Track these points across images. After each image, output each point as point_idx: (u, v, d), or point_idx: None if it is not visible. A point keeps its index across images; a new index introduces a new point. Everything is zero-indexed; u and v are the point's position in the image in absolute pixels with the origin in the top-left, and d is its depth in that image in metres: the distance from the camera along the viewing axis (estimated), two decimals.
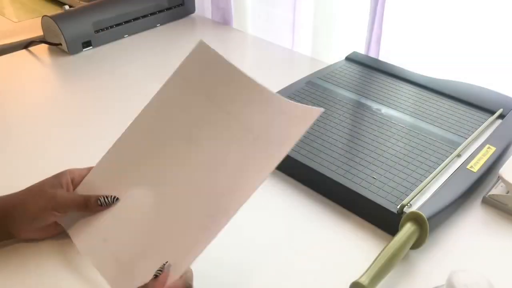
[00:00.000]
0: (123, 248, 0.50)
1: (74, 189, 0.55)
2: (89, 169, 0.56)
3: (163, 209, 0.51)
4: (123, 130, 0.73)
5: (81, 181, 0.55)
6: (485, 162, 0.60)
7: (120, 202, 0.53)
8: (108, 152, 0.57)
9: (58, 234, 0.54)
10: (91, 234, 0.52)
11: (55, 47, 0.98)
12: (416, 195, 0.56)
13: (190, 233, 0.47)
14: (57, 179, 0.53)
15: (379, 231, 0.56)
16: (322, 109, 0.47)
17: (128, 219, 0.52)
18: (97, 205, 0.52)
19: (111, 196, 0.53)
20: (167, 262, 0.46)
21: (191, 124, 0.54)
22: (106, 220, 0.53)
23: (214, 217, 0.47)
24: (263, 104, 0.51)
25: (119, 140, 0.57)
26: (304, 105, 0.50)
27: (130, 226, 0.52)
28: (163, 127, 0.55)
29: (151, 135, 0.56)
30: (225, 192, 0.48)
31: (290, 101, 0.50)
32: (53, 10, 1.17)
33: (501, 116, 0.70)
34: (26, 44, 1.00)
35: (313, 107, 0.48)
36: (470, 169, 0.59)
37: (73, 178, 0.55)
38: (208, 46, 0.56)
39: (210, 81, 0.55)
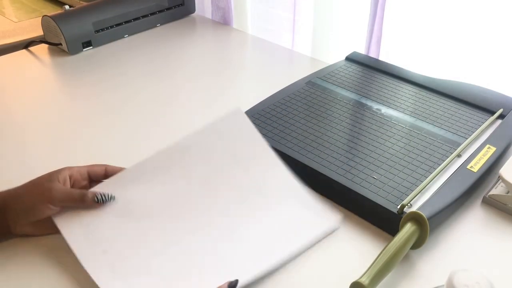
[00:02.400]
0: (122, 262, 0.50)
1: (71, 185, 0.55)
2: (88, 167, 0.56)
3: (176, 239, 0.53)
4: (123, 130, 0.73)
5: (79, 178, 0.55)
6: (485, 162, 0.60)
7: (129, 218, 0.54)
8: (132, 167, 0.58)
9: (55, 232, 0.53)
10: (91, 243, 0.52)
11: (55, 47, 0.98)
12: (416, 195, 0.56)
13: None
14: (54, 174, 0.54)
15: (379, 231, 0.56)
16: (339, 218, 0.56)
17: (135, 235, 0.53)
18: (93, 201, 0.53)
19: (108, 194, 0.53)
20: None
21: (212, 173, 0.59)
22: (108, 231, 0.53)
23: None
24: (287, 190, 0.58)
25: (146, 160, 0.59)
26: (324, 209, 0.57)
27: (135, 242, 0.52)
28: (187, 166, 0.59)
29: (176, 169, 0.59)
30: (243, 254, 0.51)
31: (312, 198, 0.58)
32: (53, 10, 1.18)
33: (501, 116, 0.70)
34: (26, 44, 1.00)
35: (334, 214, 0.56)
36: (470, 169, 0.59)
37: (71, 175, 0.55)
38: (243, 113, 0.62)
39: (239, 145, 0.61)
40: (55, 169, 0.55)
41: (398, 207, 0.54)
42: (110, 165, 0.57)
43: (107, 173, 0.57)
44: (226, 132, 0.62)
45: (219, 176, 0.58)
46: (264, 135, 0.66)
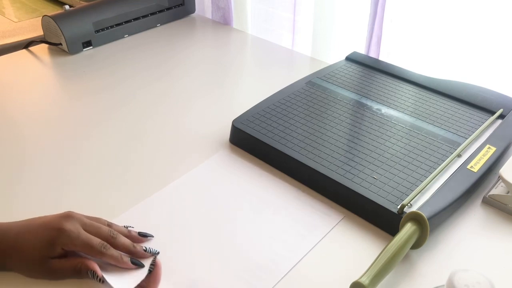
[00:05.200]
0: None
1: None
2: (93, 219, 0.52)
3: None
4: (123, 130, 0.73)
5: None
6: (485, 162, 0.60)
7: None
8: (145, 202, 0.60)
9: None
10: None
11: (55, 47, 0.98)
12: (417, 195, 0.56)
13: None
14: (52, 242, 0.48)
15: (379, 231, 0.56)
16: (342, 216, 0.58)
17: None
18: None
19: (97, 277, 0.48)
20: (157, 252, 0.50)
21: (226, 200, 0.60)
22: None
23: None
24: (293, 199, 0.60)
25: (161, 192, 0.61)
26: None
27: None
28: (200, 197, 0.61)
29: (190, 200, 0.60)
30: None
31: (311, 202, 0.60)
32: (53, 10, 1.18)
33: (501, 116, 0.70)
34: (26, 44, 1.00)
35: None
36: (471, 169, 0.59)
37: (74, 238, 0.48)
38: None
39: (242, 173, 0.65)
40: (59, 213, 0.50)
41: (398, 207, 0.54)
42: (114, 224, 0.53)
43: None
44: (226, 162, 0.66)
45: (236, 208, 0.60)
46: (264, 135, 0.66)
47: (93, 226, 0.50)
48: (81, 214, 0.51)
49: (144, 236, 0.53)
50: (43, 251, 0.48)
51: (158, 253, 0.51)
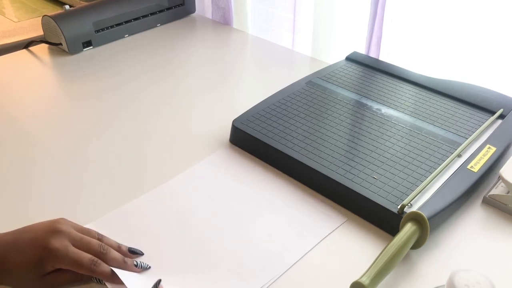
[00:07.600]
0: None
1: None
2: (84, 230, 0.51)
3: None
4: (123, 130, 0.73)
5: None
6: (485, 162, 0.60)
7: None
8: (133, 203, 0.60)
9: None
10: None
11: (55, 47, 0.98)
12: (417, 195, 0.56)
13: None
14: (41, 262, 0.46)
15: (379, 231, 0.56)
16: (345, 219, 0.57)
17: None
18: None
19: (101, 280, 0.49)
20: (149, 266, 0.49)
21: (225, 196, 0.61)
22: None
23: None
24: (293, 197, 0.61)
25: (153, 192, 0.61)
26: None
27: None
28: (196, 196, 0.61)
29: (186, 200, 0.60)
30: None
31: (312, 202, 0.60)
32: (53, 10, 1.18)
33: (502, 116, 0.70)
34: (26, 44, 1.00)
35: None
36: (471, 169, 0.59)
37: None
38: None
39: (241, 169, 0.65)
40: (48, 222, 0.49)
41: (399, 207, 0.54)
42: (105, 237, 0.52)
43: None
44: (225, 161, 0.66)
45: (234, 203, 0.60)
46: (264, 135, 0.66)
47: (82, 241, 0.48)
48: (71, 225, 0.50)
49: (133, 252, 0.52)
50: (34, 272, 0.47)
51: (149, 267, 0.50)
